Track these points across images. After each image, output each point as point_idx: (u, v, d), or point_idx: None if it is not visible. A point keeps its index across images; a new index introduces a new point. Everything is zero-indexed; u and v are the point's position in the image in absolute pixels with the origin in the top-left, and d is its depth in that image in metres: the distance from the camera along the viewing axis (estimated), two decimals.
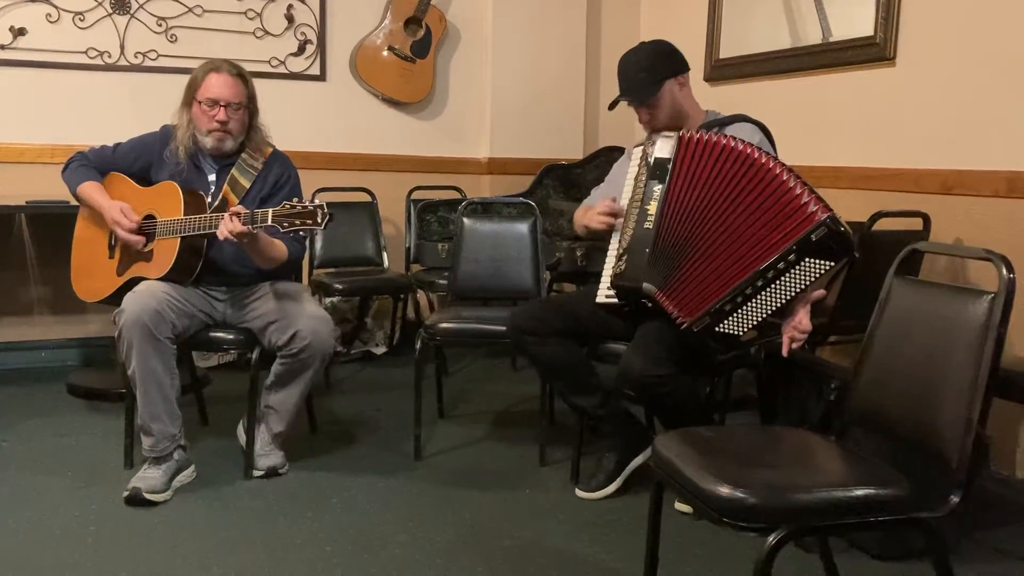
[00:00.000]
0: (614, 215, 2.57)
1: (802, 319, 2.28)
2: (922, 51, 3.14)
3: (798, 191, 2.26)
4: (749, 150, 2.34)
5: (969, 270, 2.90)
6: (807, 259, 2.24)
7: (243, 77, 2.77)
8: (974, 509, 2.47)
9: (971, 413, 1.60)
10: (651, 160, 2.51)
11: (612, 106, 2.77)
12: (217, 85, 2.72)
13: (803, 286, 2.26)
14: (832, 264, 2.24)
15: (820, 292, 2.30)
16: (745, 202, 2.33)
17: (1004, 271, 1.62)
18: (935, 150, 3.08)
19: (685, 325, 2.37)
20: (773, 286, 2.28)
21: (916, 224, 2.97)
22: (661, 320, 2.48)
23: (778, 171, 2.30)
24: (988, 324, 1.62)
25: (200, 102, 2.73)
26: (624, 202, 2.58)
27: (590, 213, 2.65)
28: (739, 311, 2.32)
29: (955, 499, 1.60)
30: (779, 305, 2.29)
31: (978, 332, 1.63)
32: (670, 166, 2.46)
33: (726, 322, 2.33)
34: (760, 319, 2.32)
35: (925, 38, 3.13)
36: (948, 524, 1.64)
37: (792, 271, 2.26)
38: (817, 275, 2.25)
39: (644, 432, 2.78)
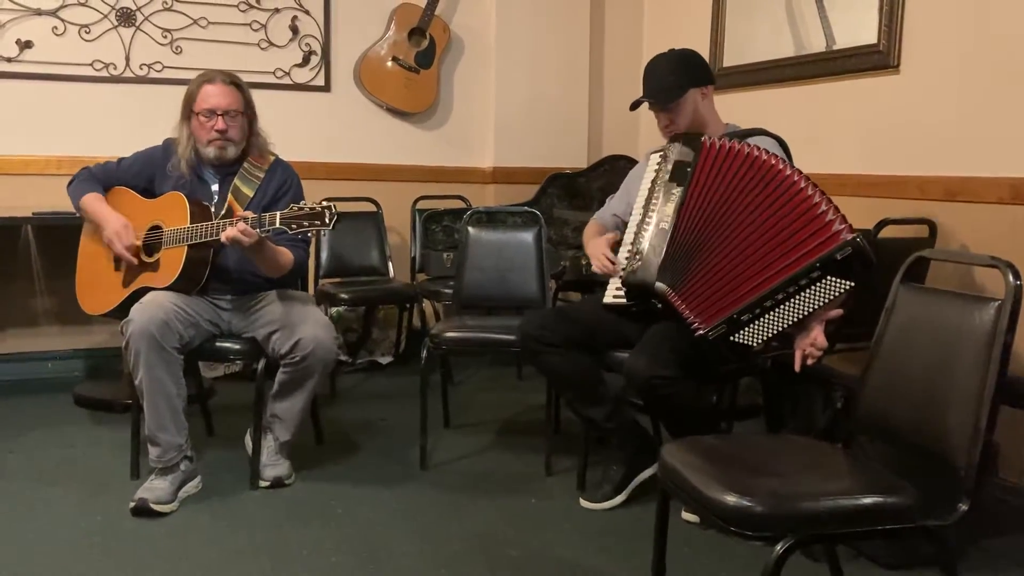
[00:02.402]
0: (612, 264, 2.59)
1: (817, 336, 2.28)
2: (926, 58, 3.14)
3: (824, 207, 2.26)
4: (773, 161, 2.35)
5: (975, 277, 2.90)
6: (829, 277, 2.24)
7: (238, 85, 2.78)
8: (982, 517, 2.46)
9: (978, 420, 1.60)
10: (671, 162, 2.51)
11: (634, 106, 2.75)
12: (213, 95, 2.73)
13: (822, 303, 2.26)
14: (852, 285, 2.24)
15: (837, 312, 2.30)
16: (767, 212, 2.33)
17: (1011, 278, 1.61)
18: (940, 157, 3.08)
19: (700, 332, 2.36)
20: (793, 300, 2.28)
21: (922, 231, 2.97)
22: (668, 323, 2.47)
23: (803, 184, 2.30)
24: (995, 331, 1.61)
25: (198, 114, 2.74)
26: (640, 203, 2.59)
27: (595, 250, 2.67)
28: (756, 322, 2.31)
29: (963, 507, 1.59)
30: (796, 320, 2.29)
31: (985, 339, 1.63)
32: (691, 170, 2.46)
33: (742, 332, 2.32)
34: (776, 332, 2.31)
35: (929, 45, 3.13)
36: (956, 532, 1.63)
37: (813, 287, 2.26)
38: (837, 294, 2.26)
39: (652, 444, 2.76)
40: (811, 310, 2.27)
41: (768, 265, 2.30)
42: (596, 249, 2.68)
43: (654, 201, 2.51)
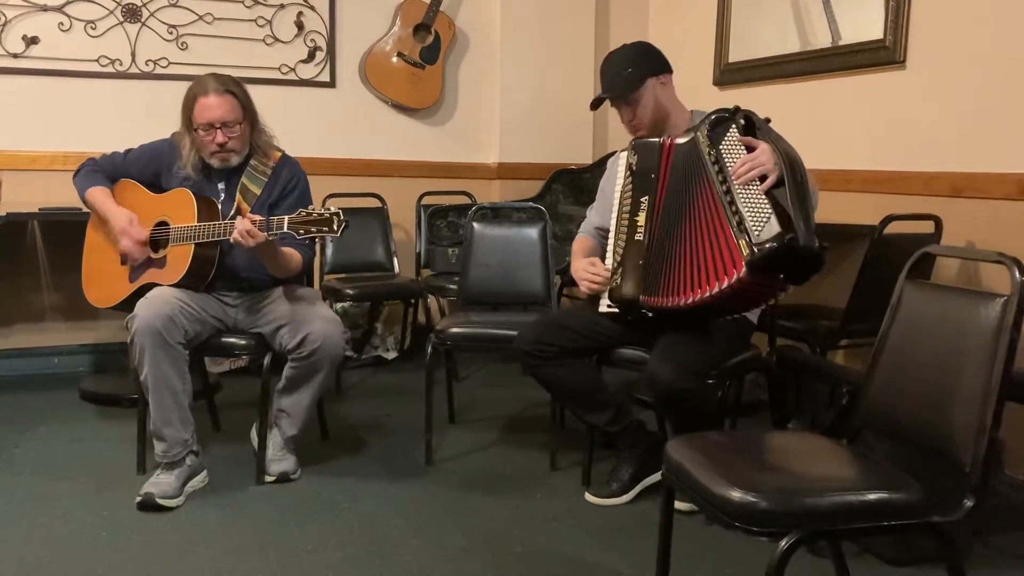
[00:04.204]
0: (600, 282, 2.58)
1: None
2: (932, 54, 3.13)
3: None
4: None
5: (981, 273, 2.89)
6: (721, 146, 2.33)
7: (231, 91, 2.71)
8: (987, 514, 2.46)
9: (984, 417, 1.59)
10: (637, 172, 2.51)
11: (595, 105, 2.75)
12: (209, 108, 2.67)
13: (739, 153, 2.30)
14: (732, 126, 2.33)
15: (750, 140, 2.32)
16: (689, 180, 2.40)
17: (1017, 274, 1.61)
18: (946, 153, 3.07)
19: (757, 253, 2.20)
20: (736, 187, 2.27)
21: (927, 227, 2.96)
22: (681, 329, 2.47)
23: None
24: (1001, 327, 1.61)
25: (196, 129, 2.71)
26: (615, 217, 2.59)
27: (578, 272, 2.66)
28: (749, 219, 2.24)
29: (968, 503, 1.59)
30: (758, 181, 2.26)
31: (991, 335, 1.62)
32: (655, 176, 2.47)
33: (755, 230, 2.21)
34: (764, 202, 2.23)
35: (935, 41, 3.12)
36: (961, 529, 1.63)
37: (725, 165, 2.31)
38: (737, 140, 2.32)
39: (659, 445, 2.75)
40: (743, 161, 2.28)
41: (712, 220, 2.33)
42: (579, 272, 2.66)
43: (624, 214, 2.52)
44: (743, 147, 2.30)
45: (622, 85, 2.66)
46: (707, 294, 2.30)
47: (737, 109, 2.37)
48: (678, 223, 2.41)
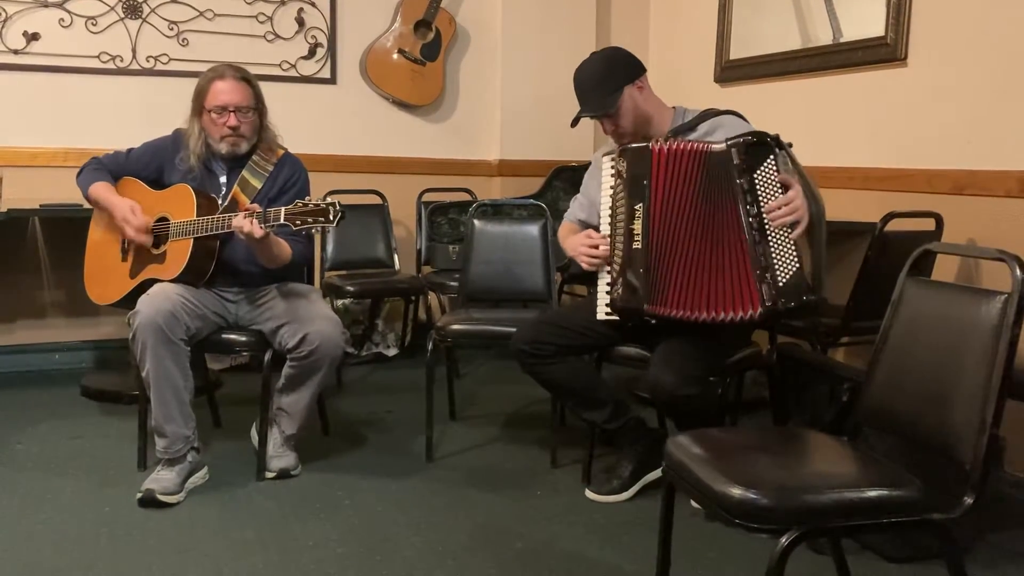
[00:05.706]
0: (600, 254, 2.53)
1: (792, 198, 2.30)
2: (933, 51, 3.13)
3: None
4: (714, 147, 2.38)
5: (982, 270, 2.89)
6: (755, 175, 2.31)
7: (248, 80, 2.78)
8: (987, 511, 2.46)
9: (984, 414, 1.59)
10: (627, 178, 2.46)
11: (575, 123, 2.73)
12: (224, 91, 2.72)
13: (775, 191, 2.30)
14: (771, 157, 2.31)
15: (786, 178, 2.32)
16: (712, 196, 2.38)
17: (1018, 271, 1.61)
18: (947, 150, 3.07)
19: (769, 306, 2.29)
20: (767, 226, 2.30)
21: (928, 225, 2.96)
22: (682, 332, 2.46)
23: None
24: (1002, 325, 1.61)
25: (209, 111, 2.74)
26: (605, 221, 2.54)
27: (575, 246, 2.62)
28: (776, 266, 2.28)
29: (969, 501, 1.59)
30: (788, 227, 2.29)
31: (991, 333, 1.62)
32: (647, 182, 2.43)
33: (779, 281, 2.28)
34: (792, 251, 2.28)
35: (936, 38, 3.12)
36: (962, 526, 1.63)
37: (758, 198, 2.30)
38: (774, 174, 2.31)
39: (659, 441, 2.75)
40: (777, 203, 2.29)
41: (729, 236, 2.33)
42: (576, 245, 2.61)
43: (619, 219, 2.47)
44: (779, 184, 2.31)
45: (599, 101, 2.63)
46: (718, 318, 2.35)
47: (776, 138, 2.34)
48: (696, 238, 2.38)
